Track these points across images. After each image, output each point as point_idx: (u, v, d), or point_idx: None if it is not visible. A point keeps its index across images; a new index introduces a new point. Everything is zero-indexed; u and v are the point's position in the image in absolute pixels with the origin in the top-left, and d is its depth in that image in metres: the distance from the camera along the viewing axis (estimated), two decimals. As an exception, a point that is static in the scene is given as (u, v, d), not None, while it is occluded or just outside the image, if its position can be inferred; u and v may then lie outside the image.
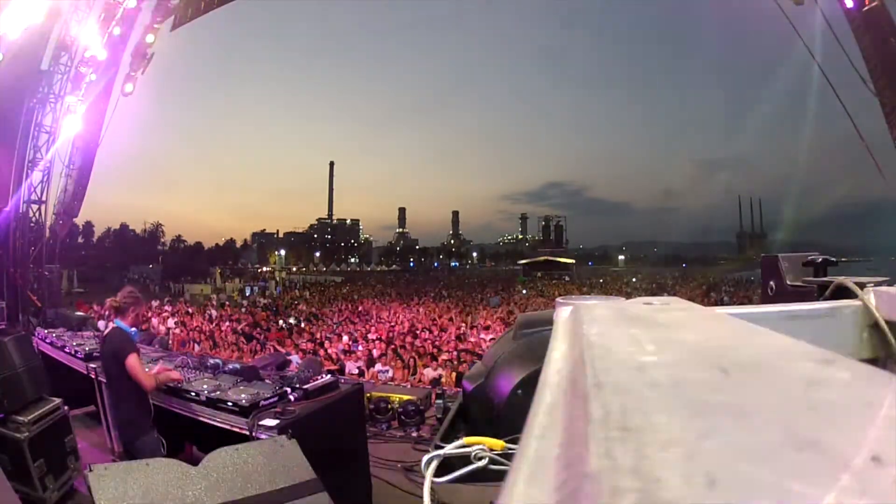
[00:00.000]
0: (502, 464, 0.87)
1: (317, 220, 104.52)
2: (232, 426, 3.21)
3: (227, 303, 22.29)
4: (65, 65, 10.93)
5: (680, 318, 0.50)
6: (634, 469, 0.19)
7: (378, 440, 5.03)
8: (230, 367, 4.10)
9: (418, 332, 12.53)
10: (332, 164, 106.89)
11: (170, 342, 9.04)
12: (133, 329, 3.39)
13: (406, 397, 5.64)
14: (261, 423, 3.06)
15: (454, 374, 7.69)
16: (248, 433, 3.04)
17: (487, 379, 1.25)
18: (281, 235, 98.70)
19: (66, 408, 3.91)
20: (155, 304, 19.92)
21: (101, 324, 6.48)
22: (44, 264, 11.48)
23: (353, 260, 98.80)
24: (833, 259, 1.44)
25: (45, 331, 6.18)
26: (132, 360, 3.20)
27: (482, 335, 11.73)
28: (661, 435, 0.21)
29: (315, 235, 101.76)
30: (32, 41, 9.88)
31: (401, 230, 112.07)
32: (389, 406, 5.55)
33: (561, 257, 61.62)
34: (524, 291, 29.68)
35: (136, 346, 3.35)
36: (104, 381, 3.33)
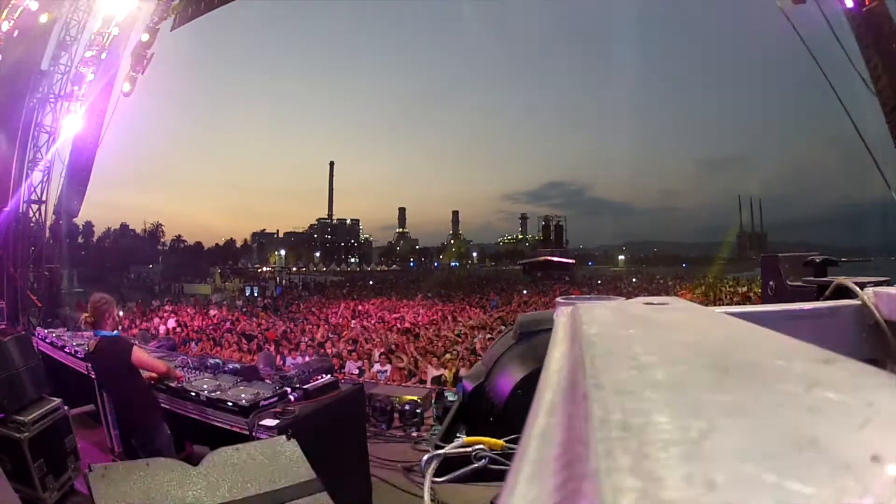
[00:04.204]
0: (502, 464, 0.87)
1: (317, 220, 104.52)
2: (232, 426, 3.21)
3: (226, 303, 22.25)
4: (65, 65, 10.93)
5: (680, 318, 0.50)
6: (634, 469, 0.19)
7: (378, 440, 5.03)
8: (230, 367, 4.10)
9: (418, 332, 12.53)
10: (332, 164, 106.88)
11: (176, 342, 9.07)
12: (115, 332, 3.48)
13: (406, 397, 5.63)
14: (261, 423, 3.06)
15: (454, 374, 7.69)
16: (248, 433, 3.05)
17: (487, 379, 1.25)
18: (281, 235, 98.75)
19: (66, 408, 3.91)
20: (155, 303, 19.93)
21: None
22: (44, 264, 11.48)
23: (353, 260, 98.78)
24: (833, 259, 1.45)
25: (45, 331, 6.18)
26: (138, 353, 3.33)
27: (479, 335, 11.73)
28: (661, 435, 0.21)
29: (315, 235, 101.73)
30: (32, 41, 9.89)
31: (401, 230, 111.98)
32: (389, 406, 5.55)
33: (561, 257, 61.53)
34: (524, 291, 29.67)
35: (131, 342, 3.44)
36: (108, 391, 3.42)
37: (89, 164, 11.95)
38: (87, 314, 3.41)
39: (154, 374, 3.59)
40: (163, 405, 3.55)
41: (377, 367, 8.45)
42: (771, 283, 1.55)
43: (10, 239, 10.54)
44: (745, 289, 24.94)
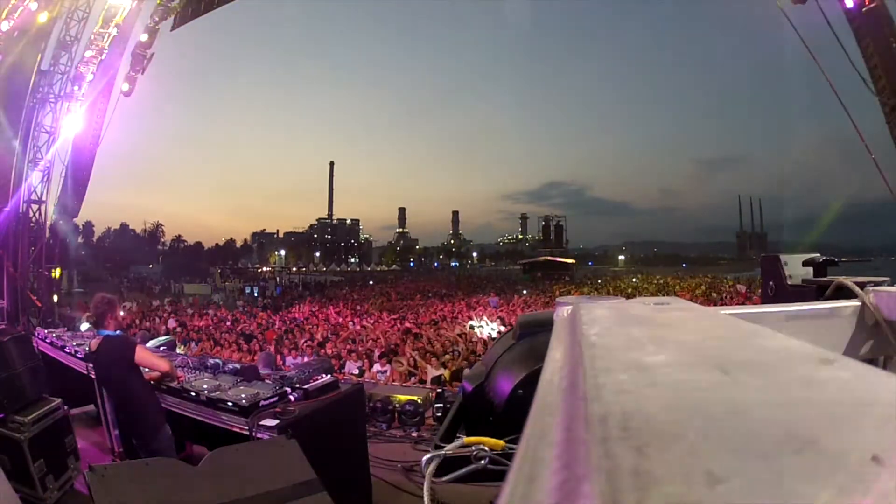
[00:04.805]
0: (502, 464, 0.87)
1: (317, 220, 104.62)
2: (232, 426, 3.21)
3: (223, 303, 22.18)
4: (65, 65, 10.93)
5: (680, 318, 0.50)
6: (634, 469, 0.19)
7: (378, 440, 5.03)
8: (230, 367, 4.10)
9: (419, 332, 12.52)
10: (332, 164, 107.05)
11: (177, 342, 9.07)
12: (117, 332, 3.49)
13: (406, 397, 5.63)
14: (261, 423, 3.05)
15: (453, 374, 7.67)
16: (248, 433, 3.04)
17: (487, 379, 1.25)
18: (281, 235, 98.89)
19: (66, 408, 3.91)
20: (155, 303, 19.93)
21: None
22: (44, 264, 11.47)
23: (353, 260, 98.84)
24: (833, 259, 1.44)
25: (45, 331, 6.17)
26: (141, 351, 3.35)
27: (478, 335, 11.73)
28: (661, 435, 0.21)
29: (315, 235, 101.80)
30: (32, 41, 9.89)
31: (401, 230, 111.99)
32: (390, 406, 5.55)
33: (561, 257, 61.56)
34: (524, 291, 29.63)
35: (134, 340, 3.45)
36: (108, 391, 3.43)
37: (89, 164, 11.96)
38: (89, 314, 3.43)
39: (155, 374, 3.59)
40: (163, 405, 3.55)
41: (377, 367, 8.45)
42: (771, 283, 1.55)
43: (10, 239, 10.54)
44: (744, 289, 24.96)
